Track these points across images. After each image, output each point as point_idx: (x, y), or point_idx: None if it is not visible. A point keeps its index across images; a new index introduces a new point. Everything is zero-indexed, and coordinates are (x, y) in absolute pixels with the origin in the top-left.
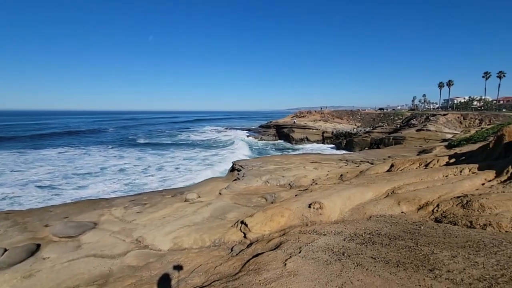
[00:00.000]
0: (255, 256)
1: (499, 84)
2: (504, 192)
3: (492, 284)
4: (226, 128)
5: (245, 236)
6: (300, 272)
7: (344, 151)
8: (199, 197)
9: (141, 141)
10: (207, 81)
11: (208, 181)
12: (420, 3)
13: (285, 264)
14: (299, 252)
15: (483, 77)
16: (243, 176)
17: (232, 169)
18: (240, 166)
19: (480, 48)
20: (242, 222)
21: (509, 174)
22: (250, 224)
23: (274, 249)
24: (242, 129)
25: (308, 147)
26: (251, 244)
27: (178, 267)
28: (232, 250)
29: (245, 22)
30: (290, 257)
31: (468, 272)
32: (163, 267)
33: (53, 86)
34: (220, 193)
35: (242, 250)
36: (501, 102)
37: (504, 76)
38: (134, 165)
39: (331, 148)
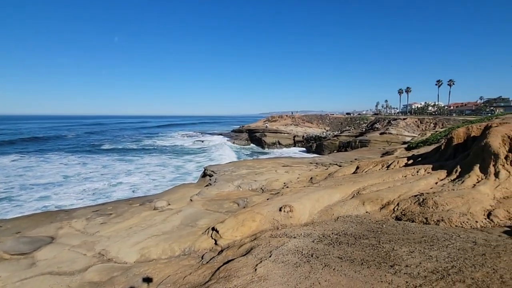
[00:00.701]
0: (226, 263)
1: (450, 92)
2: (454, 189)
3: (444, 276)
4: (199, 133)
5: (216, 243)
6: (270, 276)
7: (314, 154)
8: (169, 204)
9: (106, 147)
10: (178, 85)
11: (179, 187)
12: (382, 14)
13: (256, 269)
14: (270, 256)
15: (436, 84)
16: (215, 181)
17: (204, 174)
18: (212, 171)
19: (434, 58)
20: (213, 229)
21: (457, 173)
22: (221, 230)
23: (245, 254)
24: (215, 134)
25: (280, 151)
26: (222, 251)
27: (145, 280)
28: (202, 258)
29: (216, 23)
30: (261, 261)
31: (424, 265)
32: (128, 280)
33: None
34: (191, 200)
35: (213, 257)
36: (452, 107)
37: (453, 84)
38: (102, 174)
39: (302, 151)
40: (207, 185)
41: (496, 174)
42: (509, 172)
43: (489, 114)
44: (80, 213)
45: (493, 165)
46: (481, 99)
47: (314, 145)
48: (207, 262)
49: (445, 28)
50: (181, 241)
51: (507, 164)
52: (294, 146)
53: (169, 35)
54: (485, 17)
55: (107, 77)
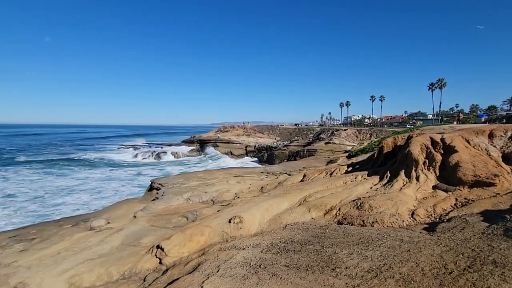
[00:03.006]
0: (170, 283)
1: (381, 106)
2: (385, 193)
3: (377, 274)
4: (146, 145)
5: (161, 262)
6: None
7: (266, 164)
8: (109, 223)
9: (22, 159)
10: (122, 92)
11: (121, 203)
12: (323, 32)
13: (202, 287)
14: (217, 271)
15: (370, 99)
16: (162, 195)
17: (151, 188)
18: (159, 184)
19: (369, 74)
20: (158, 247)
21: (388, 178)
22: (166, 247)
23: (192, 272)
24: (164, 145)
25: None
26: (167, 270)
27: None
28: (144, 280)
29: (168, 28)
30: (208, 278)
31: (361, 266)
32: None
33: None
34: (134, 216)
35: (157, 278)
36: (383, 120)
37: (384, 99)
38: (33, 189)
39: (254, 161)
40: (153, 199)
41: (417, 178)
42: (427, 176)
43: (412, 126)
44: None
45: (415, 170)
46: (405, 113)
47: (265, 154)
48: (149, 285)
49: (375, 47)
50: (121, 264)
51: (425, 169)
52: (246, 156)
53: (110, 36)
54: (405, 42)
55: (36, 81)
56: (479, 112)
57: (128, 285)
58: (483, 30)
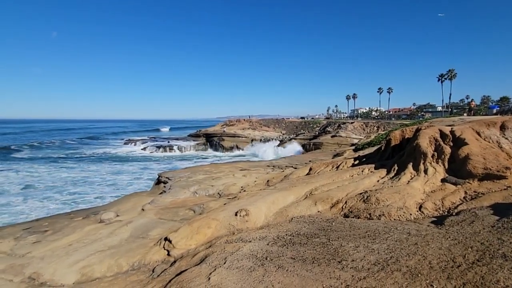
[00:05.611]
0: (178, 275)
1: (389, 98)
2: (392, 186)
3: (384, 267)
4: (153, 138)
5: (169, 254)
6: (224, 284)
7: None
8: (118, 216)
9: (33, 154)
10: (128, 86)
11: (129, 196)
12: (328, 24)
13: (209, 278)
14: (224, 263)
15: (377, 91)
16: (169, 188)
17: (158, 181)
18: (166, 177)
19: (376, 66)
20: (166, 239)
21: (395, 171)
22: (174, 239)
23: (199, 263)
24: (171, 139)
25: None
26: (175, 261)
27: None
28: (153, 271)
29: (167, 23)
30: (215, 269)
31: (367, 258)
32: None
33: None
34: (143, 209)
35: (165, 269)
36: (391, 112)
37: (392, 91)
38: (51, 182)
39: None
40: (161, 193)
41: (425, 171)
42: (435, 168)
43: (421, 118)
44: (7, 232)
45: (423, 163)
46: (414, 105)
47: None
48: (158, 276)
49: (382, 37)
50: (130, 255)
51: (434, 162)
52: None
53: (111, 32)
54: (415, 35)
55: (42, 77)
56: (490, 104)
57: (137, 276)
58: (496, 19)
